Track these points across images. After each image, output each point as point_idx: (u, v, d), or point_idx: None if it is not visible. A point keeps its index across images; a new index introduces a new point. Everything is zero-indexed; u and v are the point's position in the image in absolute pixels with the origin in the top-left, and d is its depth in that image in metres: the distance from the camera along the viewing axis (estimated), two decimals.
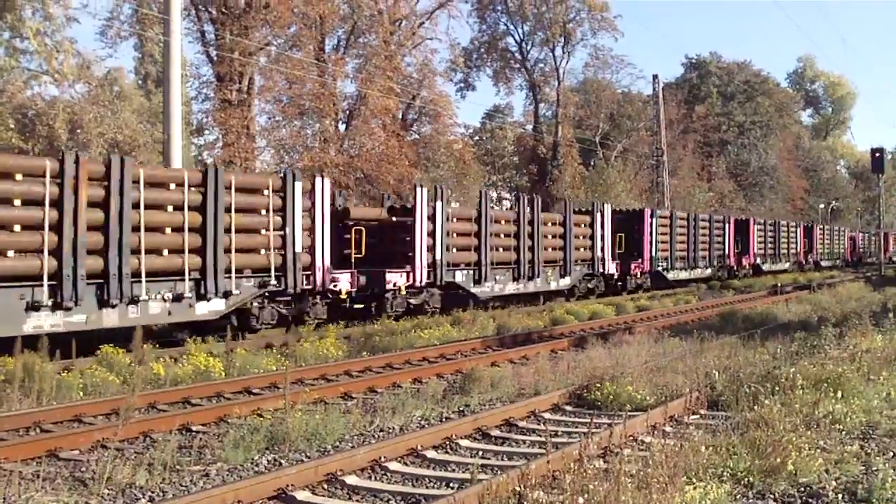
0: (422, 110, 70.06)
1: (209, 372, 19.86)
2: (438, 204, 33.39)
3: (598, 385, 16.80)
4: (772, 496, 10.47)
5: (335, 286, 29.17)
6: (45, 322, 20.49)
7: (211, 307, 24.47)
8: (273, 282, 26.22)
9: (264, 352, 23.36)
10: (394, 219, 34.10)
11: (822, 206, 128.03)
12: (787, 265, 75.36)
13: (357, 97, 61.95)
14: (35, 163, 21.63)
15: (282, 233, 26.62)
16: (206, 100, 57.77)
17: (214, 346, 22.97)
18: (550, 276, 41.12)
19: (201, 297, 24.11)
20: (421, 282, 32.62)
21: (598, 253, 45.35)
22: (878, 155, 73.35)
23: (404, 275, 32.23)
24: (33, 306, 20.24)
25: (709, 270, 60.02)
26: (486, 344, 26.37)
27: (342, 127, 62.45)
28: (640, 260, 50.29)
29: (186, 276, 23.63)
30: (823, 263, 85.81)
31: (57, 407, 15.90)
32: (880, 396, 15.41)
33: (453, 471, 12.27)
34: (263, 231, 26.19)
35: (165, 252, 23.30)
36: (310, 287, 27.92)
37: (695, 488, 9.95)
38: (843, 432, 13.26)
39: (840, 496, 10.29)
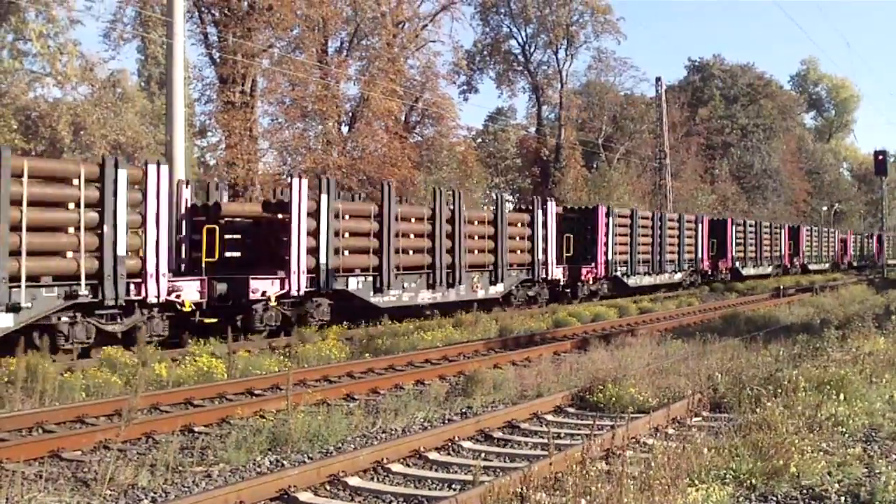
0: (425, 112, 70.04)
1: (211, 373, 19.88)
2: (324, 198, 28.67)
3: (601, 387, 16.81)
4: (774, 498, 10.46)
5: (177, 296, 24.53)
6: None
7: None
8: (84, 291, 21.82)
9: (267, 353, 23.37)
10: (268, 216, 29.78)
11: (825, 208, 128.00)
12: (770, 269, 71.74)
13: (360, 99, 61.94)
14: None
15: (98, 232, 22.20)
16: (209, 102, 57.81)
17: (217, 347, 22.96)
18: (477, 283, 36.02)
19: None
20: (299, 290, 27.86)
21: (540, 256, 40.42)
22: (881, 157, 73.29)
23: (276, 282, 27.41)
24: None
25: (678, 275, 55.46)
26: (489, 346, 26.34)
27: (345, 129, 62.47)
28: (593, 264, 45.32)
29: None
30: (812, 267, 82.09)
31: (60, 408, 15.93)
32: (883, 399, 15.41)
33: (456, 472, 12.27)
34: (71, 230, 21.75)
35: None
36: (140, 297, 23.40)
37: (697, 490, 9.96)
38: (846, 435, 13.25)
39: (843, 499, 10.28)
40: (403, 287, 32.31)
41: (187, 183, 29.59)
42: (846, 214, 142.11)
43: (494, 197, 42.14)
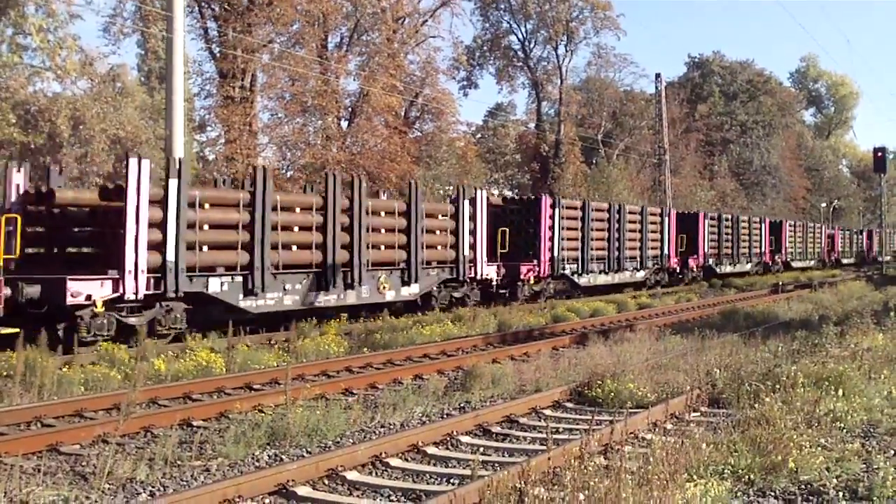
0: (424, 108, 70.07)
1: (210, 367, 19.90)
2: (173, 183, 24.08)
3: (600, 382, 16.80)
4: (772, 494, 10.46)
5: None
6: None
7: None
8: None
9: (265, 348, 23.34)
10: (104, 204, 25.40)
11: (823, 205, 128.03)
12: (749, 266, 67.79)
13: (360, 94, 61.97)
14: None
15: None
16: (209, 96, 57.88)
17: (216, 341, 22.95)
18: (385, 284, 31.22)
19: None
20: (137, 293, 23.20)
21: (466, 252, 35.15)
22: (880, 154, 73.18)
23: (107, 283, 22.74)
24: None
25: (641, 274, 50.72)
26: (488, 341, 26.35)
27: (345, 124, 62.47)
28: (535, 262, 40.70)
29: None
30: (796, 264, 78.17)
31: (58, 402, 15.94)
32: (881, 395, 15.39)
33: (454, 467, 12.28)
34: None
35: None
36: None
37: (695, 485, 9.95)
38: (844, 430, 13.26)
39: (841, 494, 10.29)
40: (285, 289, 27.60)
41: (19, 166, 26.46)
42: (845, 211, 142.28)
43: (409, 184, 34.34)
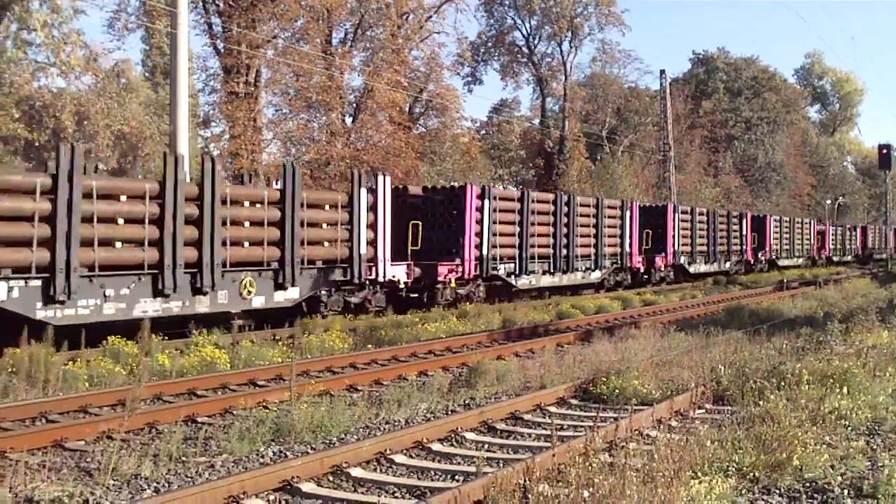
0: (429, 104, 70.08)
1: (215, 363, 19.90)
2: None
3: (604, 379, 16.82)
4: (777, 491, 10.47)
5: None
6: None
7: None
8: None
9: (270, 344, 23.34)
10: None
11: (828, 202, 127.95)
12: (728, 265, 63.01)
13: (364, 90, 62.01)
14: None
15: None
16: (213, 92, 57.95)
17: (220, 337, 22.95)
18: (250, 287, 25.96)
19: None
20: None
21: (363, 251, 29.88)
22: (885, 151, 73.14)
23: None
24: None
25: (596, 274, 45.38)
26: (492, 337, 26.32)
27: (349, 120, 62.51)
28: (458, 261, 35.19)
29: None
30: (782, 262, 73.43)
31: (63, 397, 15.96)
32: (886, 392, 15.37)
33: (459, 464, 12.28)
34: None
35: None
36: None
37: (700, 483, 9.94)
38: (849, 428, 13.25)
39: (846, 492, 10.29)
40: (106, 295, 22.33)
41: None
42: (850, 208, 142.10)
43: (283, 168, 28.30)
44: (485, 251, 36.46)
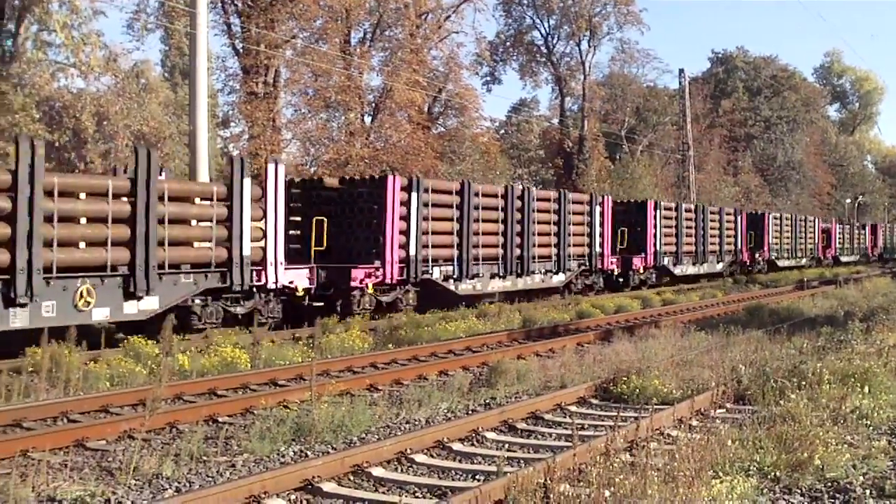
0: (448, 103, 70.06)
1: (235, 363, 19.91)
2: None
3: (625, 378, 16.81)
4: (798, 491, 10.45)
5: None
6: None
7: None
8: None
9: (290, 344, 23.37)
10: None
11: (848, 201, 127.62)
12: (719, 266, 57.53)
13: (383, 90, 61.99)
14: None
15: None
16: (232, 92, 58.05)
17: (241, 337, 22.98)
18: (86, 299, 20.98)
19: None
20: None
21: (244, 252, 24.85)
22: None
23: None
24: None
25: (560, 277, 40.03)
26: (513, 337, 26.33)
27: (368, 120, 62.53)
28: (377, 263, 30.42)
29: None
30: (782, 263, 68.34)
31: (84, 397, 16.01)
32: None
33: (479, 463, 12.30)
34: None
35: None
36: None
37: (721, 482, 9.94)
38: (871, 427, 13.21)
39: (868, 492, 10.26)
40: None
41: None
42: (870, 207, 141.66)
43: (136, 150, 23.04)
44: (412, 252, 31.27)
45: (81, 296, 20.85)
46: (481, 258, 34.71)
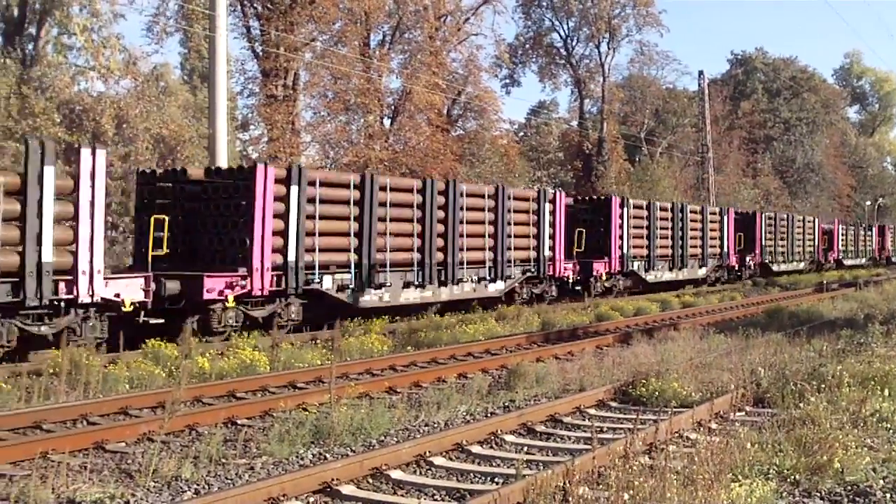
0: (467, 106, 70.17)
1: (254, 366, 19.96)
2: None
3: (644, 381, 16.76)
4: (818, 494, 10.42)
5: None
6: None
7: None
8: None
9: (309, 346, 23.39)
10: None
11: (868, 203, 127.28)
12: (703, 271, 51.95)
13: (402, 93, 62.09)
14: None
15: None
16: (252, 95, 58.30)
17: (260, 340, 23.01)
18: None
19: None
20: None
21: (44, 258, 19.57)
22: None
23: None
24: None
25: (497, 286, 34.27)
26: (531, 339, 26.25)
27: (387, 122, 62.60)
28: (244, 271, 24.69)
29: None
30: (778, 268, 62.42)
31: (104, 399, 16.03)
32: None
33: (498, 466, 12.28)
34: None
35: None
36: None
37: (740, 485, 9.92)
38: (891, 430, 13.17)
39: (888, 495, 10.24)
40: None
41: None
42: (890, 209, 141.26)
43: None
44: (292, 257, 25.98)
45: None
46: (390, 264, 29.22)
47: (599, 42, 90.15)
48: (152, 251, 24.06)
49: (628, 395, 16.82)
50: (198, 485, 11.33)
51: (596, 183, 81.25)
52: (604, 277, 42.09)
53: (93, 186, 20.87)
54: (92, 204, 20.81)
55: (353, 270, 28.00)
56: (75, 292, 20.47)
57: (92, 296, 20.81)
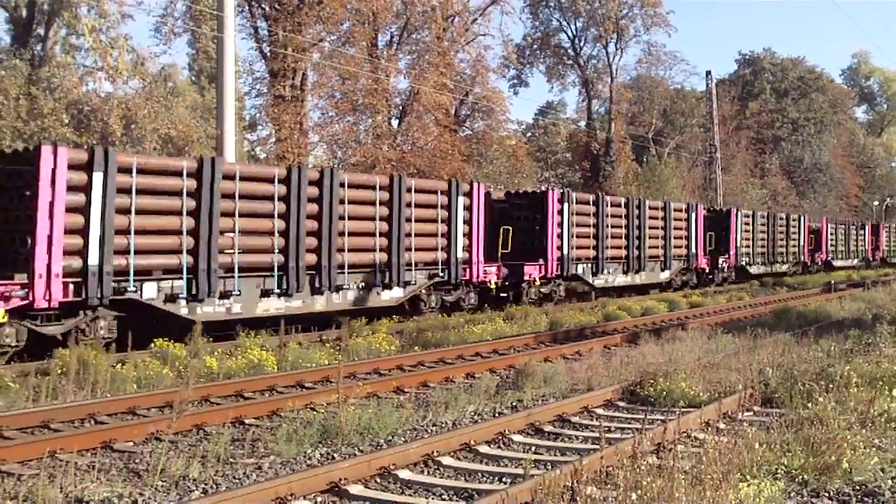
0: (475, 106, 70.17)
1: (262, 366, 19.97)
2: None
3: (651, 381, 16.76)
4: (826, 494, 10.41)
5: None
6: None
7: None
8: None
9: (317, 346, 23.38)
10: None
11: (876, 203, 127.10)
12: (666, 274, 46.28)
13: (410, 93, 62.12)
14: None
15: None
16: (260, 95, 58.35)
17: (267, 339, 23.01)
18: None
19: None
20: None
21: None
22: None
23: None
24: None
25: (393, 293, 28.94)
26: (539, 339, 26.25)
27: (395, 123, 62.65)
28: (24, 276, 19.91)
29: None
30: (755, 270, 57.32)
31: (112, 399, 16.06)
32: None
33: (506, 466, 12.27)
34: None
35: None
36: None
37: (749, 485, 9.92)
38: None
39: None
40: None
41: None
42: None
43: None
44: (94, 260, 20.93)
45: None
46: (240, 268, 24.29)
47: (607, 42, 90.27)
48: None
49: (636, 394, 16.82)
50: (205, 484, 11.34)
51: (604, 183, 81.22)
52: (537, 282, 36.41)
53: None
54: None
55: (185, 276, 22.77)
56: None
57: None
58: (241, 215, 24.31)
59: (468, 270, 31.99)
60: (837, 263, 72.58)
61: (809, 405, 13.31)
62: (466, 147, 66.25)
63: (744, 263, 55.45)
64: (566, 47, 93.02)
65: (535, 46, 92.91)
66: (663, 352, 20.75)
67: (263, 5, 53.96)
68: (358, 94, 57.65)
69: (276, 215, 25.31)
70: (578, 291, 40.85)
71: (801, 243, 65.17)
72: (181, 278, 22.64)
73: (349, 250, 27.28)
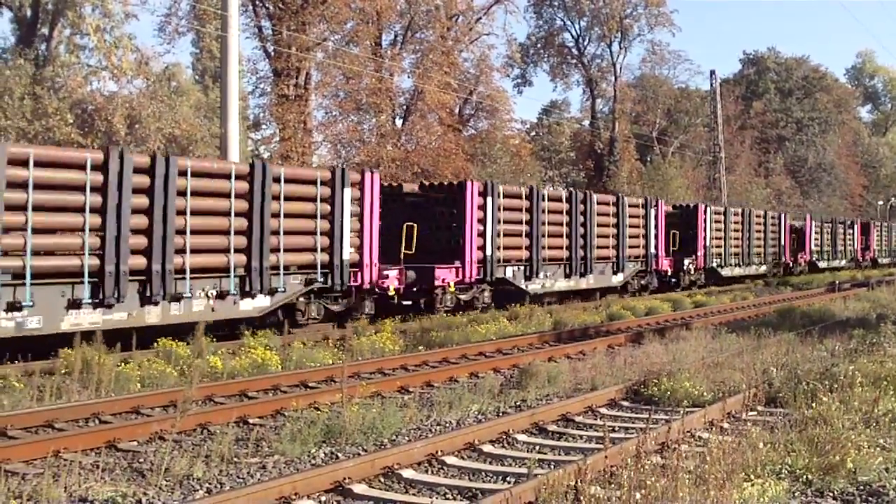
0: (479, 105, 70.22)
1: (266, 365, 19.94)
2: None
3: (655, 381, 16.76)
4: (830, 494, 10.40)
5: None
6: None
7: None
8: None
9: (321, 345, 23.37)
10: None
11: (880, 202, 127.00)
12: (619, 278, 40.52)
13: (414, 92, 62.16)
14: None
15: None
16: (264, 95, 58.41)
17: (272, 339, 23.00)
18: None
19: None
20: None
21: None
22: None
23: None
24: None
25: (255, 303, 23.57)
26: (543, 339, 26.20)
27: (399, 122, 62.64)
28: None
29: None
30: (727, 272, 52.08)
31: (116, 398, 16.03)
32: None
33: (510, 465, 12.28)
34: None
35: None
36: None
37: (753, 485, 9.92)
38: None
39: None
40: None
41: None
42: None
43: None
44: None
45: None
46: (33, 274, 18.93)
47: (611, 42, 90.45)
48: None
49: (640, 394, 16.82)
50: (209, 484, 11.33)
51: (607, 182, 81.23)
52: (453, 288, 31.24)
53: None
54: None
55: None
56: None
57: None
58: (34, 209, 18.95)
59: (359, 274, 26.96)
60: (822, 265, 67.86)
61: (813, 405, 13.30)
62: (470, 146, 66.33)
63: (714, 265, 50.24)
64: (570, 46, 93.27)
65: (538, 45, 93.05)
66: (667, 351, 20.74)
67: (267, 4, 54.01)
68: (362, 94, 57.67)
69: (86, 210, 19.97)
70: (513, 297, 33.69)
71: (783, 243, 60.53)
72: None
73: (192, 251, 22.16)
